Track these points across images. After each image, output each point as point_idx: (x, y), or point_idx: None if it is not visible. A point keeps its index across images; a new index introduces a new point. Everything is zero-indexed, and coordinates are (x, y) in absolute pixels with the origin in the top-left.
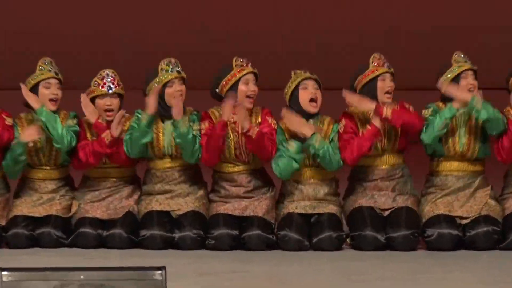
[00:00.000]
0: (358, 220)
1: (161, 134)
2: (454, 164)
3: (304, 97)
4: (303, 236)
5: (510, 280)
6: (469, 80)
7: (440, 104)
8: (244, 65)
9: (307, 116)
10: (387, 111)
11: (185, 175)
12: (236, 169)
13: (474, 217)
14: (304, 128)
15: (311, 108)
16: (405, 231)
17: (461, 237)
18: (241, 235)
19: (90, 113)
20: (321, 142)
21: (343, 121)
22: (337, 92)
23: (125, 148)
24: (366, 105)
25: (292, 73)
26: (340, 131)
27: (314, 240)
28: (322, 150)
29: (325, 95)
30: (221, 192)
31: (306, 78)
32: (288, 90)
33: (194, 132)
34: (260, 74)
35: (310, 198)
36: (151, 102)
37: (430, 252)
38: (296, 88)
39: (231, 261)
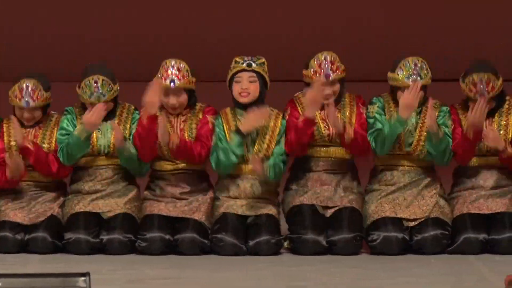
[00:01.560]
0: (299, 221)
1: (97, 133)
2: (401, 160)
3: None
4: (239, 240)
5: (459, 285)
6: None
7: (387, 97)
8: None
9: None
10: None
11: (119, 175)
12: (173, 167)
13: (422, 219)
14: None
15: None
16: (348, 235)
17: (408, 241)
18: (174, 237)
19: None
20: None
21: (288, 110)
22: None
23: (60, 158)
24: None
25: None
26: (285, 118)
27: (251, 244)
28: None
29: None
30: (156, 191)
31: (240, 71)
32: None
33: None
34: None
35: (247, 195)
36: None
37: (374, 256)
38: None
39: (163, 267)
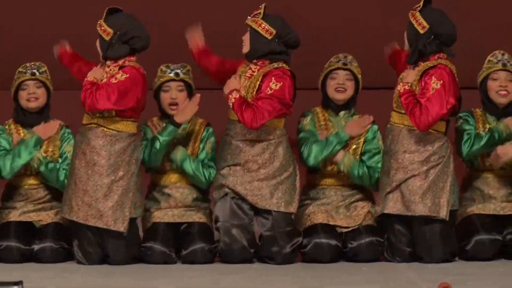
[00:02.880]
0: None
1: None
2: (332, 180)
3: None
4: (169, 248)
5: None
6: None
7: (318, 109)
8: None
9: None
10: None
11: (52, 194)
12: None
13: (355, 226)
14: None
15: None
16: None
17: (341, 248)
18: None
19: None
20: None
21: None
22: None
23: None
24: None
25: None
26: None
27: (185, 252)
28: None
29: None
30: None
31: (168, 80)
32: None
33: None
34: None
35: (177, 204)
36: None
37: (306, 265)
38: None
39: (94, 275)
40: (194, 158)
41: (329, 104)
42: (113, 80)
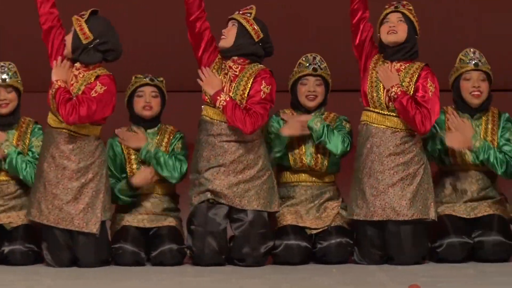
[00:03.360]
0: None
1: None
2: (302, 176)
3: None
4: (139, 248)
5: None
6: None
7: (288, 111)
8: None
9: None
10: None
11: (23, 189)
12: None
13: (325, 227)
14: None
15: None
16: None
17: (311, 249)
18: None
19: None
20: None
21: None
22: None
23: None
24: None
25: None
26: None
27: (154, 254)
28: None
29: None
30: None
31: (143, 84)
32: None
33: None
34: None
35: (148, 212)
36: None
37: (277, 266)
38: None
39: (65, 277)
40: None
41: (299, 108)
42: (94, 94)
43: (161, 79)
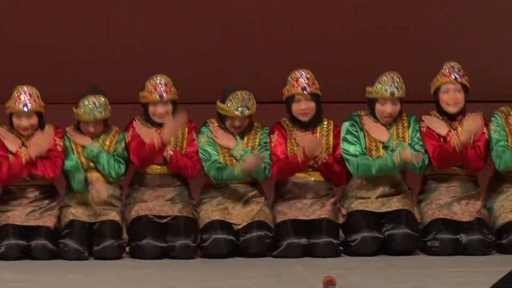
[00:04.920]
0: (139, 229)
1: None
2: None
3: None
4: (83, 246)
5: (282, 286)
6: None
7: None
8: None
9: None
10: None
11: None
12: (21, 182)
13: (248, 222)
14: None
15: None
16: (184, 240)
17: (236, 243)
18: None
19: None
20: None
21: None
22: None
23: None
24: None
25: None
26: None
27: (96, 249)
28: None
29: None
30: (8, 203)
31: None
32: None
33: None
34: None
35: (94, 201)
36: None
37: (207, 260)
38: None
39: (16, 271)
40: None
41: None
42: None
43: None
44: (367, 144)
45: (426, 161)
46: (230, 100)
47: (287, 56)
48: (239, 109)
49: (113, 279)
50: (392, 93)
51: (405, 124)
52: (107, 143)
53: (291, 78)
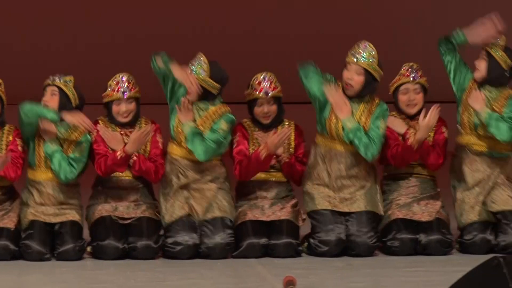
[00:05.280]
0: (101, 230)
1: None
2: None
3: None
4: (45, 247)
5: (242, 286)
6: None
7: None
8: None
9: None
10: None
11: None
12: None
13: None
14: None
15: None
16: (146, 241)
17: (199, 244)
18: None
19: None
20: None
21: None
22: None
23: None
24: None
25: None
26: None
27: (58, 251)
28: None
29: None
30: None
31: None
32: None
33: None
34: None
35: (51, 200)
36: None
37: (167, 260)
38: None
39: None
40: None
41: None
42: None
43: (69, 78)
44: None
45: (375, 152)
46: None
47: (251, 56)
48: None
49: (72, 279)
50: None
51: (373, 110)
52: (65, 146)
53: (254, 81)
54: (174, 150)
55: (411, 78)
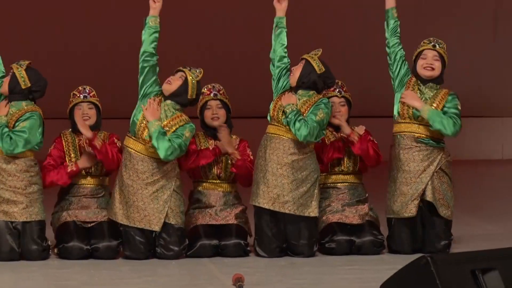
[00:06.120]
0: (66, 233)
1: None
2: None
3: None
4: (17, 247)
5: (194, 283)
6: None
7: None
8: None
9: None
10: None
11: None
12: None
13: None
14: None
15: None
16: (108, 242)
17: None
18: None
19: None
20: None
21: None
22: None
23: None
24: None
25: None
26: None
27: (23, 250)
28: None
29: None
30: None
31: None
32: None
33: None
34: None
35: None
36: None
37: (127, 260)
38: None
39: None
40: None
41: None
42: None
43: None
44: None
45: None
46: None
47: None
48: None
49: (38, 277)
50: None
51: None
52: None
53: (204, 89)
54: (131, 144)
55: (337, 92)
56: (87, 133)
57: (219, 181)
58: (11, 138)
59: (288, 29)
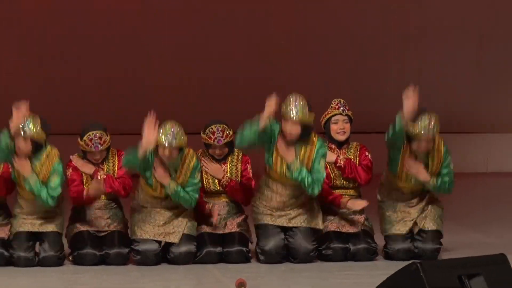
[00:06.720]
0: (80, 241)
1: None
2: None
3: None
4: (29, 253)
5: (202, 287)
6: None
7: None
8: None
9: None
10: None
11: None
12: None
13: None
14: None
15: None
16: (119, 249)
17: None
18: None
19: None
20: None
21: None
22: None
23: None
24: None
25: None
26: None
27: (41, 257)
28: None
29: None
30: None
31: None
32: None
33: None
34: None
35: (34, 214)
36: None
37: (138, 266)
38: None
39: None
40: None
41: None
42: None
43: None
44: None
45: (317, 191)
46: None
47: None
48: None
49: (56, 282)
50: (343, 110)
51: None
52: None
53: (208, 131)
54: (150, 193)
55: (341, 110)
56: (89, 171)
57: (223, 194)
58: (52, 197)
59: (291, 54)
